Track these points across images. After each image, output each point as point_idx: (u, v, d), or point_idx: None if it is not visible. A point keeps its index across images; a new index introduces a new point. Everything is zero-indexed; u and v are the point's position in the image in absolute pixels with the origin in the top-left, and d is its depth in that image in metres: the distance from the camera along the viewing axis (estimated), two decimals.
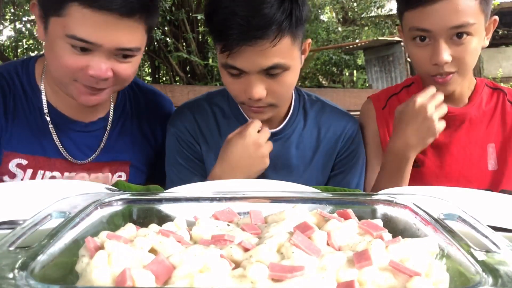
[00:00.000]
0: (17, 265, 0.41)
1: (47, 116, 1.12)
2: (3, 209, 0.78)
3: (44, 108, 1.12)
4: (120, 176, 1.23)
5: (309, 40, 1.16)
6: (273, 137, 1.20)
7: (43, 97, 1.12)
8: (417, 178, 1.23)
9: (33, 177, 1.11)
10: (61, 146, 1.13)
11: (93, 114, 1.19)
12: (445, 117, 1.13)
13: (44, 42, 1.05)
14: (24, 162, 1.10)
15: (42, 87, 1.12)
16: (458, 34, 1.07)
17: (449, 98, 1.17)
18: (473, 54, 1.11)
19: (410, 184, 1.21)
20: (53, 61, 1.01)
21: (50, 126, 1.12)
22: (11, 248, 0.45)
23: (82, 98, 1.04)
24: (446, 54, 1.07)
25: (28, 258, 0.43)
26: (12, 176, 1.10)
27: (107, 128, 1.20)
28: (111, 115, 1.21)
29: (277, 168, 1.21)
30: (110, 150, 1.21)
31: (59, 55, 0.98)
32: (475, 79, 1.29)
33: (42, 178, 1.12)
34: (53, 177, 1.13)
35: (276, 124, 1.24)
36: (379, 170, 1.21)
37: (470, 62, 1.12)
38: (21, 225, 0.50)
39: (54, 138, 1.13)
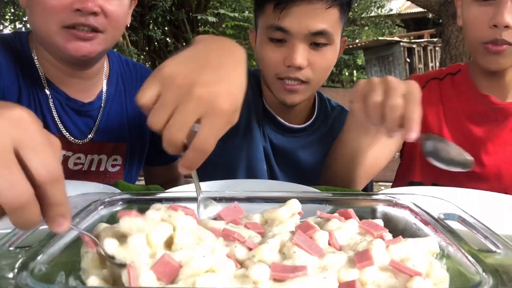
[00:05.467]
0: (17, 265, 0.41)
1: (47, 89, 1.07)
2: None
3: (43, 81, 1.08)
4: (115, 160, 1.20)
5: (345, 38, 1.18)
6: (295, 133, 1.21)
7: (40, 71, 1.08)
8: (445, 176, 1.12)
9: None
10: (59, 122, 1.10)
11: (89, 91, 1.15)
12: (487, 110, 1.08)
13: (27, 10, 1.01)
14: None
15: (36, 60, 1.08)
16: None
17: (494, 88, 1.10)
18: None
19: (441, 175, 1.13)
20: (38, 12, 0.97)
21: (50, 100, 1.08)
22: (11, 248, 0.45)
23: (71, 46, 0.97)
24: (510, 16, 0.98)
25: (28, 258, 0.42)
26: None
27: (102, 106, 1.17)
28: (105, 93, 1.18)
29: (288, 164, 1.22)
30: (106, 130, 1.17)
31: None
32: None
33: None
34: None
35: (300, 121, 1.23)
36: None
37: None
38: None
39: (54, 113, 1.08)
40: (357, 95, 0.80)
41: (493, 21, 0.98)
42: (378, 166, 1.16)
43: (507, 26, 0.97)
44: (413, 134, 0.71)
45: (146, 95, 0.52)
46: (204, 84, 0.51)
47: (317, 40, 1.04)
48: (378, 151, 1.12)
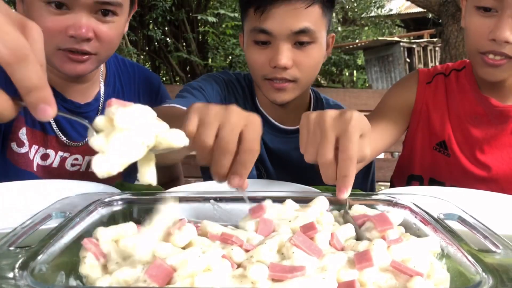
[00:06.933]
0: (17, 265, 0.41)
1: None
2: (3, 209, 0.78)
3: None
4: None
5: (333, 34, 1.17)
6: (289, 134, 1.21)
7: None
8: (443, 167, 1.19)
9: (29, 149, 1.10)
10: (54, 124, 1.11)
11: (85, 93, 1.16)
12: (488, 112, 1.09)
13: None
14: (24, 132, 1.09)
15: None
16: None
17: (495, 91, 1.10)
18: None
19: (438, 170, 1.17)
20: None
21: None
22: (11, 248, 0.44)
23: (66, 67, 1.00)
24: (509, 31, 0.96)
25: (28, 258, 0.42)
26: (21, 144, 1.09)
27: (99, 108, 1.17)
28: (102, 95, 1.19)
29: (283, 165, 1.21)
30: None
31: (37, 20, 0.93)
32: None
33: (36, 153, 1.10)
34: (47, 155, 1.11)
35: (296, 122, 1.23)
36: None
37: None
38: (21, 224, 0.50)
39: None
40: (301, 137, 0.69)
41: (493, 35, 0.98)
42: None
43: (506, 42, 0.96)
44: (344, 194, 0.60)
45: (191, 124, 0.58)
46: (235, 106, 0.61)
47: (300, 39, 1.05)
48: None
